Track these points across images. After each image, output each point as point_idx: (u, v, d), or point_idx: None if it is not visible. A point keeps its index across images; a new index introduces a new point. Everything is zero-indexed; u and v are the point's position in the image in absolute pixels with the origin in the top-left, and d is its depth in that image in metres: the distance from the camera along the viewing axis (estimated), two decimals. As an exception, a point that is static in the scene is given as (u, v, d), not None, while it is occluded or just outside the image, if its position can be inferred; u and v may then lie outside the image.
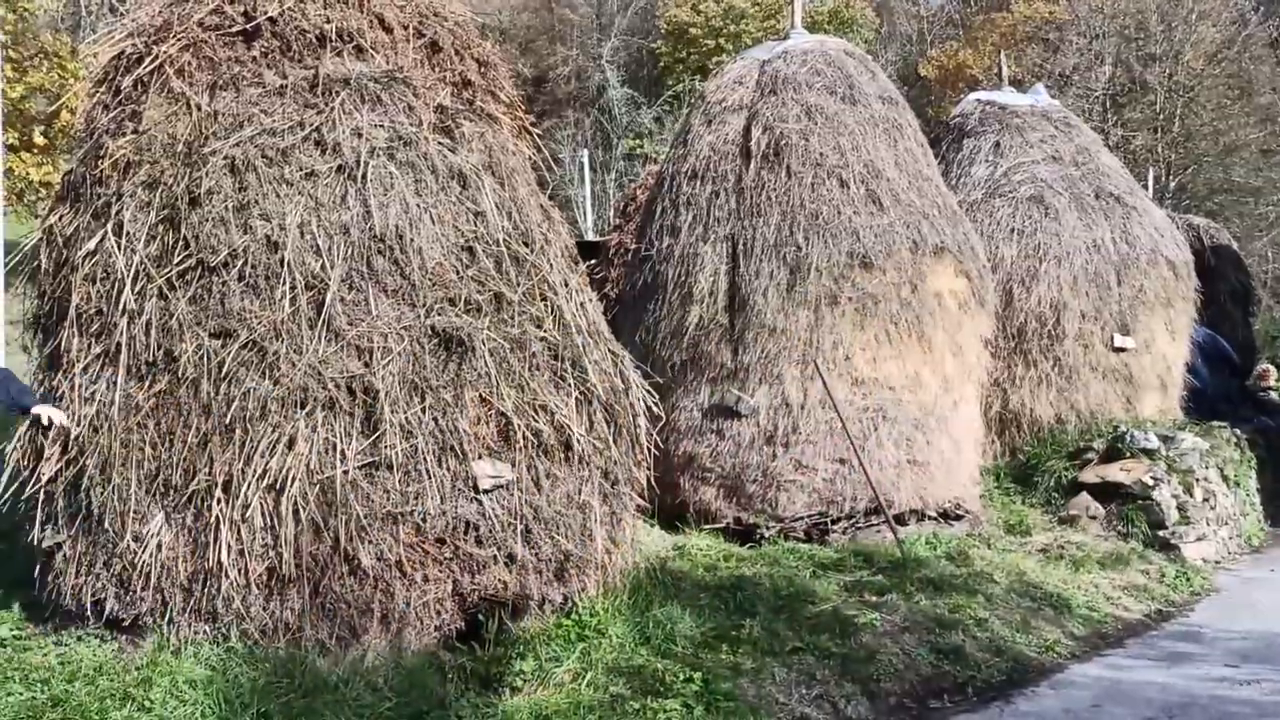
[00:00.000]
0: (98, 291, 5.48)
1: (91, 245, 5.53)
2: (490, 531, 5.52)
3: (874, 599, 7.00)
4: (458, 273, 5.73)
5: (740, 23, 31.70)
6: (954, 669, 6.21)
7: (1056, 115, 13.05)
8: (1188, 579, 8.92)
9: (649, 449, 6.58)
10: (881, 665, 6.04)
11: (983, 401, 10.24)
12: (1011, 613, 7.20)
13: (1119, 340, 11.48)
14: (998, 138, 12.60)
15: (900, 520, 8.57)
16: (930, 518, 8.93)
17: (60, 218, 5.88)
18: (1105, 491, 10.15)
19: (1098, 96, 29.34)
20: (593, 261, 13.58)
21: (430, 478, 5.35)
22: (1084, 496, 10.18)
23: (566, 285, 6.24)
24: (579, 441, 5.85)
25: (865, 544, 8.36)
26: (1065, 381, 11.31)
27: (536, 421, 5.70)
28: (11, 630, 5.47)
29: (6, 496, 5.61)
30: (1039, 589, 7.79)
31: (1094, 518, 9.99)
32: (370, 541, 5.24)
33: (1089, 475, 10.38)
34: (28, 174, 20.55)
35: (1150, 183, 18.62)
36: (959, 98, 17.08)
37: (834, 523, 8.65)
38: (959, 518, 9.15)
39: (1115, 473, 10.21)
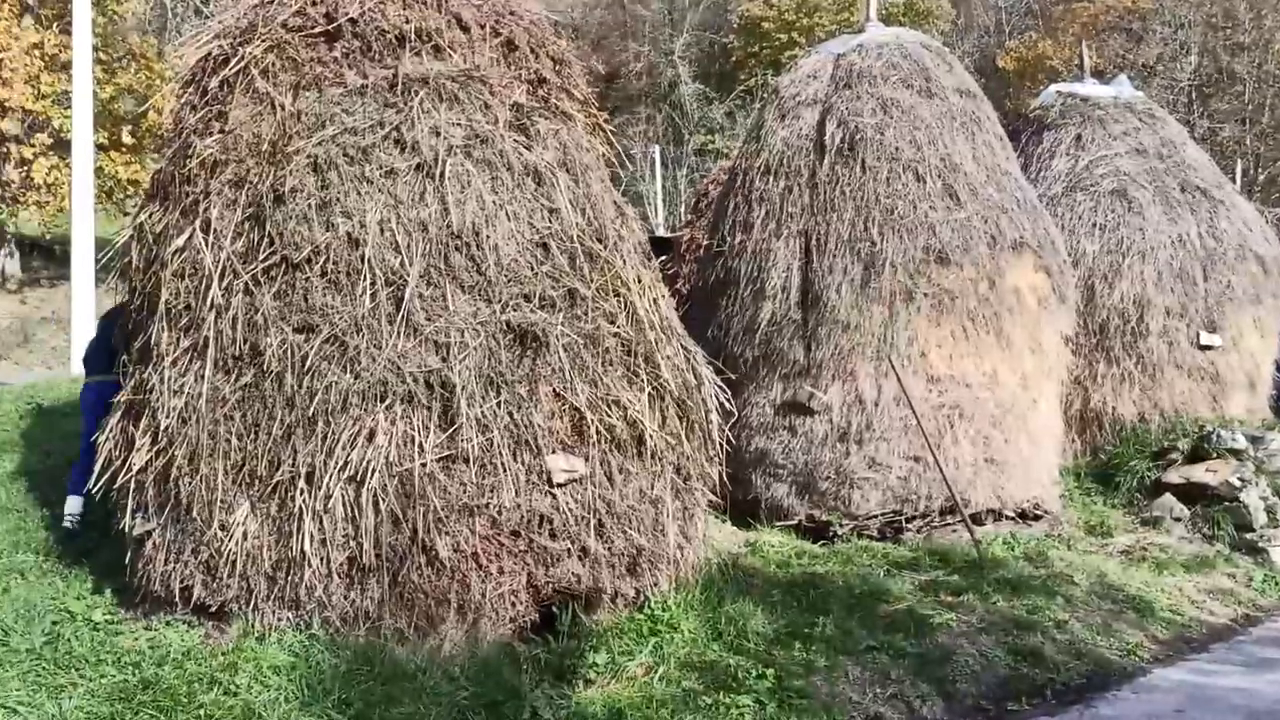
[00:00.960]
0: (186, 287, 5.63)
1: (180, 242, 5.68)
2: (564, 525, 5.57)
3: (950, 599, 6.92)
4: (532, 269, 5.78)
5: (814, 16, 31.45)
6: (1032, 671, 6.11)
7: (1140, 107, 12.73)
8: (1276, 583, 8.66)
9: (721, 445, 6.58)
10: (957, 666, 5.98)
11: (1063, 400, 10.04)
12: (1092, 615, 7.06)
13: (1205, 338, 11.17)
14: (1079, 130, 12.33)
15: (977, 520, 8.45)
16: (1008, 517, 8.79)
17: (150, 215, 6.06)
18: (1190, 493, 9.89)
19: (1183, 87, 28.58)
20: (664, 257, 13.59)
21: (505, 471, 5.42)
22: (1167, 498, 9.93)
23: (639, 281, 6.26)
24: (651, 437, 5.88)
25: (940, 543, 8.25)
26: (1149, 380, 11.03)
27: (609, 416, 5.74)
28: (105, 615, 5.66)
29: (99, 486, 5.81)
30: (1120, 591, 7.63)
31: (1178, 519, 9.74)
32: (447, 533, 5.32)
33: (1173, 476, 10.12)
34: (116, 173, 21.23)
35: (1238, 176, 18.09)
36: (1038, 90, 16.74)
37: (908, 521, 8.55)
38: (1038, 518, 8.99)
39: (1200, 473, 9.94)
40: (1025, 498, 8.87)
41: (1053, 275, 9.20)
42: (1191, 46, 29.01)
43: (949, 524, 8.50)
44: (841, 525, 8.57)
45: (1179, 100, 27.93)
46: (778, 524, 8.76)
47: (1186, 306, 11.17)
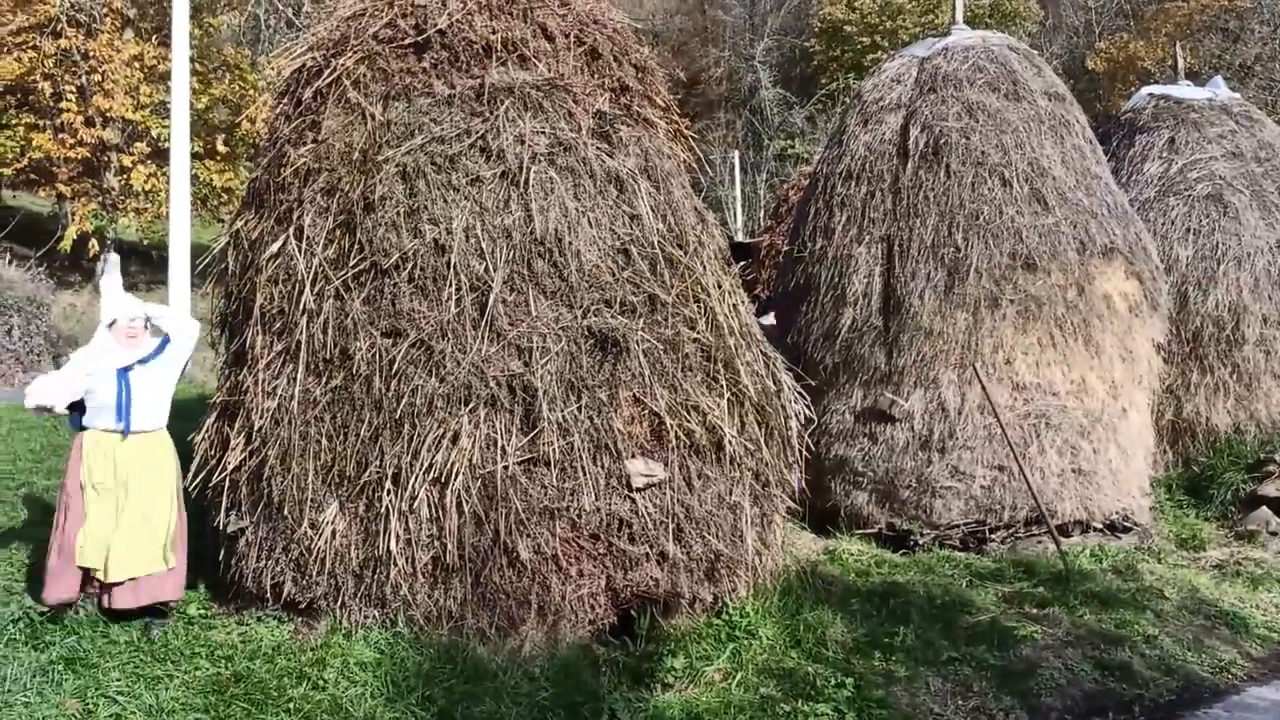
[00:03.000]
0: (280, 292, 5.80)
1: (275, 248, 5.85)
2: (643, 529, 5.61)
3: (1035, 611, 6.79)
4: (614, 275, 5.83)
5: (896, 19, 31.14)
6: (1120, 686, 5.96)
7: (1237, 109, 12.33)
8: (1380, 602, 8.31)
9: (800, 452, 6.56)
10: (1042, 679, 5.86)
11: (1154, 409, 9.78)
12: (1183, 630, 6.86)
13: (1304, 347, 10.77)
14: (1172, 133, 12.00)
15: (1063, 531, 8.27)
16: (1096, 529, 8.59)
17: (246, 222, 6.25)
18: (1287, 506, 9.57)
19: (1283, 87, 27.58)
20: (743, 263, 13.58)
21: (585, 475, 5.48)
22: (1264, 511, 9.60)
23: (719, 287, 6.28)
24: (731, 442, 5.88)
25: (1025, 554, 8.10)
26: (1244, 389, 10.68)
27: (689, 422, 5.76)
28: (199, 609, 5.86)
29: (195, 484, 6.01)
30: (1213, 606, 7.40)
31: (1274, 533, 9.41)
32: (528, 535, 5.40)
33: (1269, 489, 9.79)
34: (211, 180, 21.92)
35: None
36: (1129, 91, 16.34)
37: (992, 531, 8.41)
38: (1127, 530, 8.76)
39: (1299, 487, 9.61)
40: (1114, 509, 8.66)
41: (1144, 281, 8.97)
42: (1292, 45, 28.02)
43: (1034, 535, 8.34)
44: (922, 534, 8.47)
45: (1278, 102, 26.97)
46: (857, 532, 8.70)
47: (1285, 314, 10.80)
